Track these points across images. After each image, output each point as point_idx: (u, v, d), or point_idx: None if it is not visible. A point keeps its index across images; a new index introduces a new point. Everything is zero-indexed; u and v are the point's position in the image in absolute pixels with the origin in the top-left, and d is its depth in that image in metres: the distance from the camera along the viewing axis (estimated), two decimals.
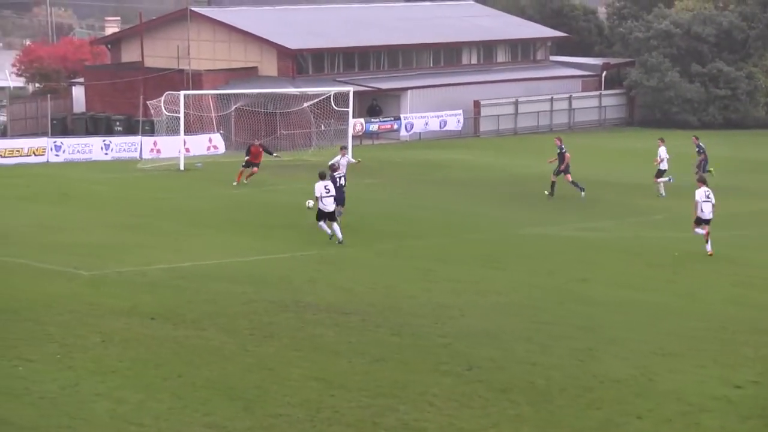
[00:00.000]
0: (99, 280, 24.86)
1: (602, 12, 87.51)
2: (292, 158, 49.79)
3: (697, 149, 42.99)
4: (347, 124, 51.00)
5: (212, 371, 18.33)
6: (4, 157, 50.90)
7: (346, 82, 59.98)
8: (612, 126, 70.72)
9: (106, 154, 52.90)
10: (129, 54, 66.31)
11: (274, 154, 45.17)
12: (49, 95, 65.81)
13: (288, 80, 60.32)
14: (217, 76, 60.25)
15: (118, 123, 59.87)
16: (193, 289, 24.02)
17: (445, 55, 69.57)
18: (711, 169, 42.24)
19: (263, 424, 16.06)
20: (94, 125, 60.63)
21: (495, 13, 78.28)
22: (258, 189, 40.54)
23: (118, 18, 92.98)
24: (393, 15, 72.94)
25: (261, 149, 42.41)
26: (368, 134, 60.63)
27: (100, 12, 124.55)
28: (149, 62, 62.17)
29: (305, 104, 53.91)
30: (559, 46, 77.80)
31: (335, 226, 30.03)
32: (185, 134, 49.20)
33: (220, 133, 55.83)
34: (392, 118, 62.14)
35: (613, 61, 74.65)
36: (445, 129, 63.27)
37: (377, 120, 61.55)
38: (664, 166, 40.95)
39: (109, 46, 69.85)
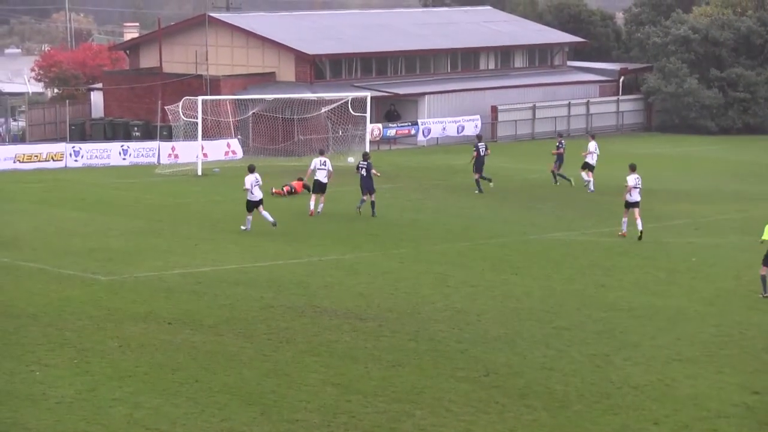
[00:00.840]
0: (117, 285, 24.90)
1: (620, 17, 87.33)
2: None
3: (558, 145, 44.12)
4: (365, 130, 50.99)
5: (229, 376, 18.34)
6: (23, 162, 51.13)
7: (363, 88, 60.02)
8: (629, 131, 70.53)
9: (124, 159, 53.06)
10: (147, 59, 66.51)
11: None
12: (67, 101, 66.14)
13: (306, 85, 60.40)
14: (235, 82, 60.36)
15: (136, 128, 60.07)
16: (211, 294, 24.04)
17: (463, 61, 69.55)
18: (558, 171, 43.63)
19: (280, 429, 16.05)
20: (113, 130, 60.86)
21: (512, 19, 78.24)
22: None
23: (137, 24, 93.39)
24: (410, 20, 72.96)
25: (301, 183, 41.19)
26: (386, 139, 60.65)
27: (119, 18, 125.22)
28: (167, 68, 62.35)
29: (323, 109, 53.96)
30: (577, 52, 77.68)
31: (264, 212, 32.23)
32: (203, 139, 49.29)
33: (238, 139, 55.90)
34: (410, 124, 62.13)
35: (630, 66, 74.46)
36: (462, 134, 63.22)
37: (395, 125, 61.56)
38: (591, 159, 42.13)
39: (127, 51, 70.11)
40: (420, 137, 61.87)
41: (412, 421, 16.47)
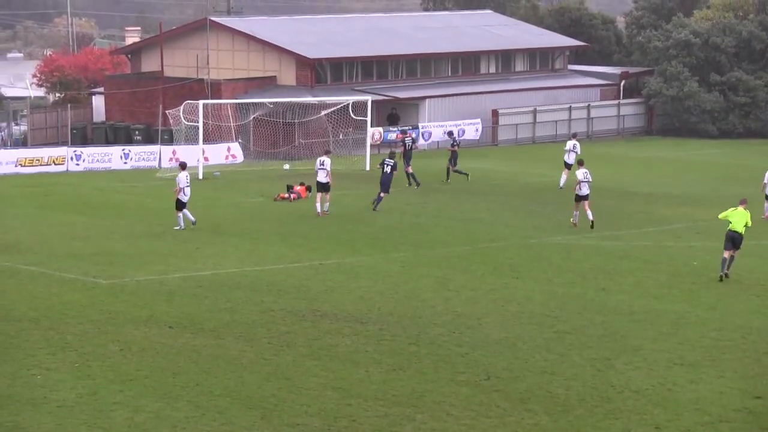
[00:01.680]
0: (117, 289, 24.89)
1: (621, 21, 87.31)
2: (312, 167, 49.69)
3: (452, 143, 45.44)
4: (365, 133, 50.93)
5: (230, 380, 18.31)
6: (25, 166, 51.11)
7: (364, 91, 60.00)
8: (631, 135, 70.49)
9: (126, 163, 53.04)
10: (149, 64, 66.53)
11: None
12: (69, 105, 66.09)
13: (306, 89, 60.39)
14: (236, 86, 60.36)
15: (137, 132, 60.05)
16: (212, 298, 24.03)
17: (464, 64, 69.52)
18: (465, 172, 45.05)
19: None
20: (114, 134, 60.84)
21: (513, 22, 78.22)
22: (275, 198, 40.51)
23: (139, 28, 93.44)
24: (411, 24, 72.96)
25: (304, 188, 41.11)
26: (386, 143, 60.58)
27: (121, 22, 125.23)
28: (169, 72, 62.34)
29: (322, 113, 53.93)
30: (578, 55, 77.64)
31: (186, 211, 32.79)
32: (204, 143, 49.28)
33: (239, 143, 55.89)
34: (410, 127, 62.10)
35: (631, 70, 74.42)
36: (463, 138, 63.13)
37: (396, 129, 61.51)
38: (569, 158, 43.20)
39: (129, 55, 70.11)
40: (421, 141, 61.80)
41: (412, 425, 16.43)
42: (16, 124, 65.83)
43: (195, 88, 59.03)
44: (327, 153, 37.06)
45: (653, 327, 22.40)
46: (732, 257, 27.25)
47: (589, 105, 69.64)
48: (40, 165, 51.48)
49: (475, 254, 30.10)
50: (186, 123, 48.65)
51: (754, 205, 31.65)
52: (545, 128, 67.14)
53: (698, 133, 68.56)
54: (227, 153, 54.91)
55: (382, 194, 36.80)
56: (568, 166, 43.29)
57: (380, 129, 60.01)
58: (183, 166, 33.36)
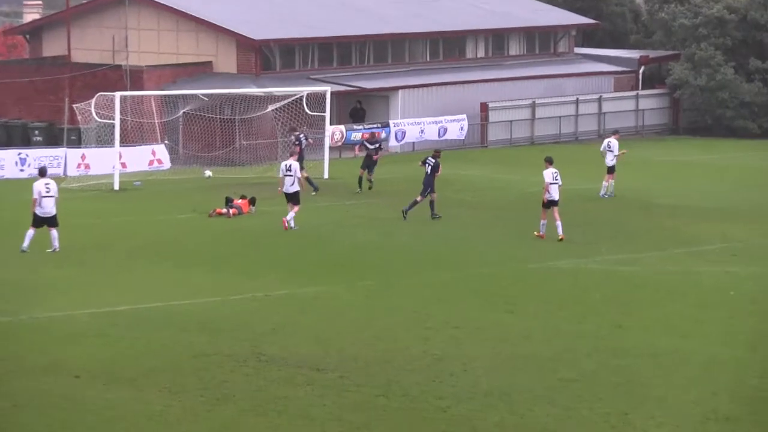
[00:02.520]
0: (11, 329, 24.66)
1: None
2: (257, 175, 49.71)
3: (296, 141, 45.21)
4: (324, 133, 50.95)
5: None
6: None
7: (322, 81, 60.04)
8: (652, 134, 70.93)
9: (22, 170, 52.76)
10: (52, 46, 66.35)
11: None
12: None
13: (250, 78, 60.41)
14: (162, 74, 60.31)
15: (37, 132, 59.76)
16: (130, 339, 23.91)
17: (445, 47, 69.75)
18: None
19: None
20: (7, 134, 60.47)
21: None
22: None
23: (40, 2, 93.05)
24: None
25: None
26: (350, 144, 60.56)
27: None
28: (77, 56, 62.24)
29: (269, 108, 53.89)
30: (587, 36, 78.09)
31: (54, 232, 32.53)
32: (121, 145, 49.13)
33: (165, 144, 55.78)
34: (379, 125, 62.14)
35: (652, 54, 74.94)
36: (444, 138, 63.31)
37: (361, 127, 61.52)
38: (609, 161, 45.05)
39: (27, 36, 69.95)
40: (392, 142, 61.90)
41: None
42: None
43: (110, 77, 58.92)
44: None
45: (680, 372, 22.46)
46: None
47: (600, 97, 70.03)
48: None
49: (459, 282, 30.10)
50: (98, 120, 48.51)
51: None
52: (546, 126, 67.42)
53: (735, 132, 69.05)
54: (151, 158, 54.78)
55: (418, 199, 38.59)
56: (608, 170, 44.85)
57: (342, 128, 60.05)
58: (42, 172, 33.54)
